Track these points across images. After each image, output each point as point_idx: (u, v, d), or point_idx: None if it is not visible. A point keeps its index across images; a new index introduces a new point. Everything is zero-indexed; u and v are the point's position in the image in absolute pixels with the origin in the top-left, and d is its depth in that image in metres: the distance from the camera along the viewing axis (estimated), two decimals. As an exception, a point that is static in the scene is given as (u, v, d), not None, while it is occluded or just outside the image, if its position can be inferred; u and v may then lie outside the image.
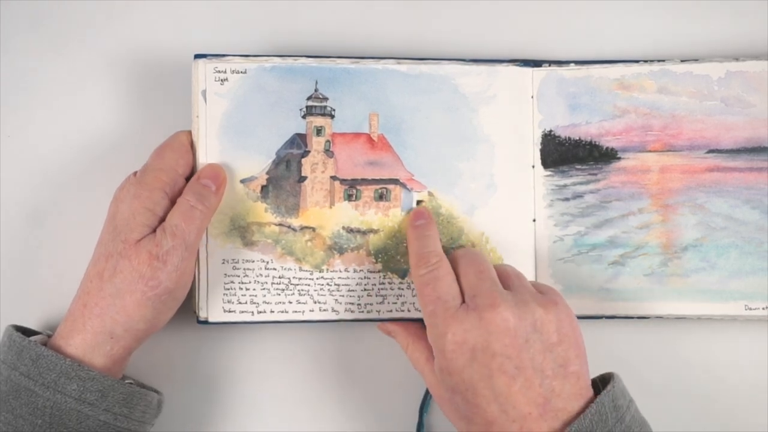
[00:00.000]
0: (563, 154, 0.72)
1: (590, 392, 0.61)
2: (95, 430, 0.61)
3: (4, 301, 0.72)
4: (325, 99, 0.69)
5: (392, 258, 0.70)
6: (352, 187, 0.70)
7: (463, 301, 0.61)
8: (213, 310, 0.69)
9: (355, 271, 0.69)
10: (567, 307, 0.62)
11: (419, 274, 0.63)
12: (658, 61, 0.72)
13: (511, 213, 0.71)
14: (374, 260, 0.70)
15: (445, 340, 0.60)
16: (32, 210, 0.72)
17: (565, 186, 0.71)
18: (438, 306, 0.61)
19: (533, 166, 0.71)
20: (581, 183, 0.72)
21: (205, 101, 0.69)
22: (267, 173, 0.69)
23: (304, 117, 0.69)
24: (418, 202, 0.70)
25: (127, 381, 0.65)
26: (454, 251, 0.65)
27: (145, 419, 0.65)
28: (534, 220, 0.71)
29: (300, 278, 0.69)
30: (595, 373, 0.65)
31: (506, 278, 0.63)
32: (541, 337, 0.59)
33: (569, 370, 0.60)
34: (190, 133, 0.69)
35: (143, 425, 0.64)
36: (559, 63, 0.72)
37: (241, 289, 0.69)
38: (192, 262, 0.65)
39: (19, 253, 0.72)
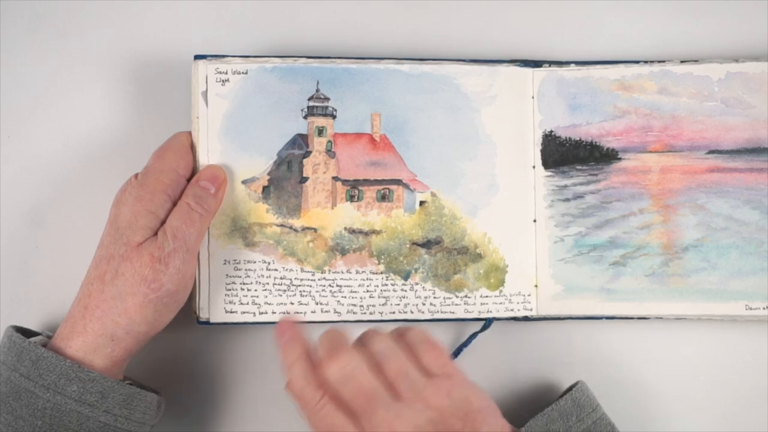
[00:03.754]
0: (564, 154, 0.72)
1: None
2: (95, 432, 0.61)
3: (4, 302, 0.71)
4: (327, 99, 0.69)
5: (395, 259, 0.70)
6: (354, 188, 0.70)
7: (362, 427, 0.58)
8: (214, 310, 0.69)
9: (357, 272, 0.69)
10: (458, 387, 0.59)
11: (310, 411, 0.59)
12: (659, 61, 0.72)
13: (513, 213, 0.71)
14: (377, 261, 0.70)
15: None
16: (32, 210, 0.72)
17: (565, 186, 0.72)
18: None
19: (534, 167, 0.72)
20: (582, 183, 0.72)
21: (206, 102, 0.68)
22: (268, 174, 0.69)
23: (305, 117, 0.69)
24: (422, 203, 0.70)
25: (127, 382, 0.64)
26: (328, 372, 0.59)
27: (145, 420, 0.64)
28: (535, 221, 0.71)
29: (302, 279, 0.69)
30: (593, 373, 0.66)
31: (391, 382, 0.59)
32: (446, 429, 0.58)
33: None
34: (190, 134, 0.69)
35: (143, 426, 0.64)
36: (560, 63, 0.72)
37: (243, 289, 0.69)
38: (193, 264, 0.65)
39: (19, 254, 0.72)
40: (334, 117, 0.70)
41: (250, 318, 0.69)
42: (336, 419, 0.58)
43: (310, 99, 0.69)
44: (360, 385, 0.58)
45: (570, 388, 0.67)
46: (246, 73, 0.69)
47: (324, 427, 0.59)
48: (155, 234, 0.64)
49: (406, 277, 0.70)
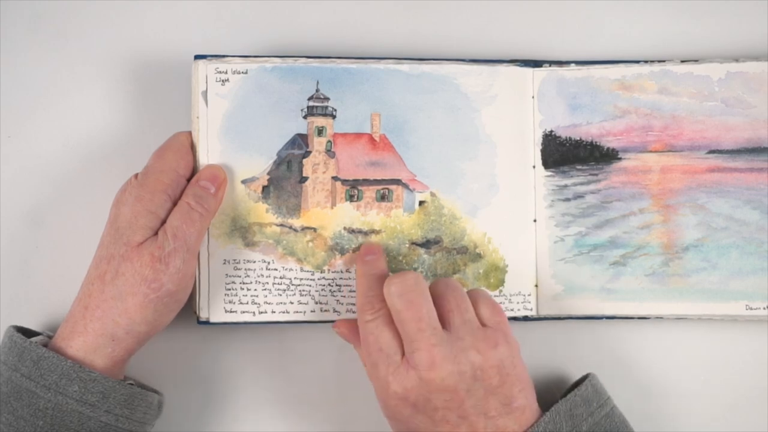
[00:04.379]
0: (564, 154, 0.72)
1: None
2: None
3: (4, 302, 0.72)
4: (327, 99, 0.69)
5: (394, 259, 0.70)
6: (353, 188, 0.70)
7: (404, 353, 0.61)
8: (214, 310, 0.69)
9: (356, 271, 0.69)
10: (508, 345, 0.62)
11: (364, 319, 0.62)
12: (659, 61, 0.72)
13: (513, 213, 0.71)
14: (376, 261, 0.70)
15: (387, 394, 0.61)
16: (32, 210, 0.72)
17: (565, 186, 0.72)
18: (380, 358, 0.61)
19: (534, 167, 0.71)
20: (582, 183, 0.72)
21: (206, 102, 0.68)
22: (268, 174, 0.69)
23: (305, 117, 0.69)
24: (421, 203, 0.70)
25: (127, 382, 0.64)
26: (392, 285, 0.61)
27: (146, 420, 0.65)
28: (535, 221, 0.71)
29: (301, 279, 0.69)
30: (585, 372, 0.66)
31: (447, 313, 0.62)
32: (483, 384, 0.60)
33: (514, 406, 0.61)
34: (190, 133, 0.69)
35: (144, 426, 0.64)
36: (560, 63, 0.72)
37: (243, 289, 0.69)
38: (193, 263, 0.65)
39: (19, 254, 0.72)
40: (333, 117, 0.70)
41: (249, 318, 0.69)
42: (383, 335, 0.61)
43: (309, 99, 0.69)
44: (413, 301, 0.60)
45: (582, 380, 0.66)
46: (246, 72, 0.69)
47: (371, 339, 0.62)
48: (155, 234, 0.64)
49: (405, 276, 0.70)
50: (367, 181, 0.70)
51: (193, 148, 0.68)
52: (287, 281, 0.69)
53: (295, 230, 0.69)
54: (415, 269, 0.70)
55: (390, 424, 0.64)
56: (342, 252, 0.69)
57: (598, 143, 0.72)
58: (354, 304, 0.69)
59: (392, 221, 0.70)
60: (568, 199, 0.71)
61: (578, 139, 0.72)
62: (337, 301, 0.69)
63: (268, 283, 0.69)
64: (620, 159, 0.71)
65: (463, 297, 0.63)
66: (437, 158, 0.70)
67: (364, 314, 0.62)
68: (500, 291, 0.70)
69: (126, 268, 0.63)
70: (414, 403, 0.60)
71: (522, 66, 0.72)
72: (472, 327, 0.61)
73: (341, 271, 0.69)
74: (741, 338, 0.72)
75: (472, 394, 0.60)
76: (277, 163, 0.69)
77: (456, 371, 0.59)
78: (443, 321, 0.61)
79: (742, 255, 0.70)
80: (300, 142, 0.69)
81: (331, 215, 0.70)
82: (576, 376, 0.70)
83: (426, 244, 0.70)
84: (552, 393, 0.71)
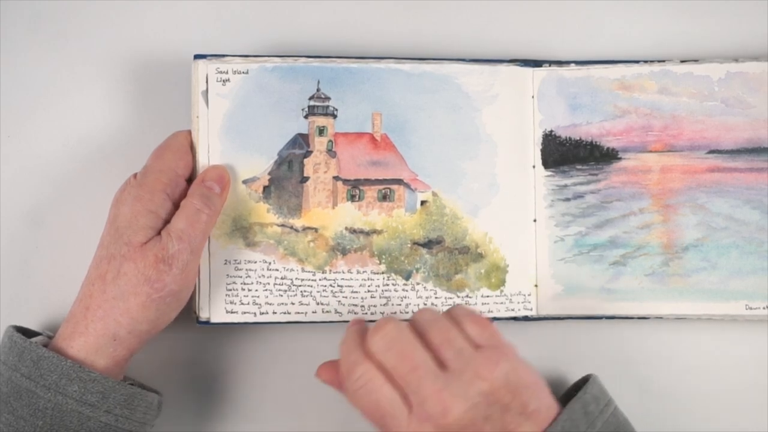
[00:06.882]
0: (564, 154, 0.72)
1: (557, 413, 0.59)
2: (96, 432, 0.61)
3: (4, 302, 0.71)
4: (328, 99, 0.69)
5: (396, 259, 0.70)
6: (355, 188, 0.70)
7: (410, 406, 0.57)
8: (215, 310, 0.68)
9: (358, 272, 0.69)
10: (506, 357, 0.58)
11: (352, 389, 0.58)
12: (659, 61, 0.72)
13: (513, 213, 0.71)
14: (378, 261, 0.69)
15: None
16: (32, 210, 0.72)
17: (565, 186, 0.72)
18: (386, 420, 0.57)
19: (534, 167, 0.72)
20: (582, 183, 0.72)
21: (206, 102, 0.68)
22: (269, 174, 0.69)
23: (306, 117, 0.69)
24: (423, 203, 0.70)
25: (127, 382, 0.64)
26: (375, 342, 0.58)
27: (146, 420, 0.64)
28: (535, 221, 0.71)
29: (302, 279, 0.69)
30: (592, 373, 0.65)
31: (437, 349, 0.58)
32: (497, 406, 0.57)
33: (530, 411, 0.57)
34: (189, 133, 0.69)
35: (144, 426, 0.64)
36: (560, 63, 0.72)
37: (243, 289, 0.69)
38: (196, 264, 0.65)
39: (19, 254, 0.72)
40: (334, 116, 0.70)
41: (250, 318, 0.69)
42: (380, 396, 0.57)
43: (310, 98, 0.69)
44: (403, 352, 0.57)
45: (583, 380, 0.65)
46: (247, 72, 0.69)
47: (368, 405, 0.58)
48: (158, 234, 0.64)
49: (407, 277, 0.70)
50: (368, 181, 0.70)
51: (192, 147, 0.68)
52: (288, 282, 0.69)
53: (297, 230, 0.69)
54: (418, 269, 0.70)
55: None
56: (344, 252, 0.69)
57: (598, 143, 0.72)
58: (356, 305, 0.69)
59: (394, 221, 0.70)
60: (568, 199, 0.72)
61: (578, 138, 0.72)
62: (339, 301, 0.69)
63: (269, 283, 0.69)
64: (620, 159, 0.72)
65: (447, 326, 0.59)
66: (438, 158, 0.70)
67: (350, 384, 0.58)
68: (501, 291, 0.71)
69: (128, 268, 0.62)
70: None
71: (522, 66, 0.72)
72: (467, 355, 0.58)
73: (343, 272, 0.69)
74: (741, 338, 0.72)
75: (489, 419, 0.57)
76: (278, 163, 0.69)
77: (469, 407, 0.56)
78: (436, 358, 0.58)
79: (742, 255, 0.70)
80: (301, 141, 0.69)
81: (332, 215, 0.70)
82: (576, 376, 0.70)
83: (428, 244, 0.70)
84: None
